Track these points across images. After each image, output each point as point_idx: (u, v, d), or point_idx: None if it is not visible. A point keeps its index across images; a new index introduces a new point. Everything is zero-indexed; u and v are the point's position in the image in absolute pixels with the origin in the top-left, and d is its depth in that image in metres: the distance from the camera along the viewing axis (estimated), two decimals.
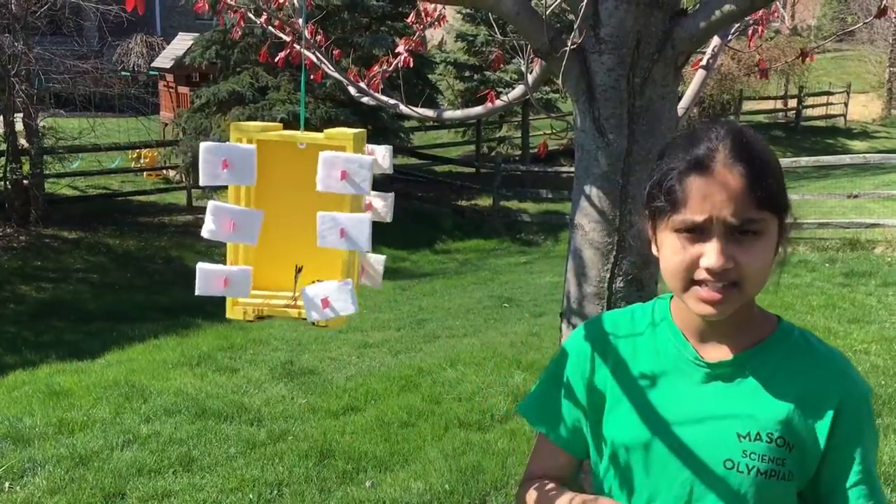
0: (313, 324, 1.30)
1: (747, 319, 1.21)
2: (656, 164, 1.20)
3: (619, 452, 1.25)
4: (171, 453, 4.36)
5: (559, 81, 1.80)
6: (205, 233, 1.25)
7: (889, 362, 5.47)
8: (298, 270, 1.38)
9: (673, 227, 1.14)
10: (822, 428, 1.16)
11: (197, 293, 1.28)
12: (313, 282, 1.31)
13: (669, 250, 1.15)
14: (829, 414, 1.16)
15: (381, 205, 1.46)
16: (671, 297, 1.27)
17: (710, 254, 1.10)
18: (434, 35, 25.99)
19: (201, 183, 1.24)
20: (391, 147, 1.41)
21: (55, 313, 9.55)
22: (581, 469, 1.44)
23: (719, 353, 1.21)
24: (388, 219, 1.46)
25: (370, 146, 1.42)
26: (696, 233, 1.12)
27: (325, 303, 1.25)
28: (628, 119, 1.82)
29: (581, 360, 1.32)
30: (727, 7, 1.70)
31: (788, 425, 1.16)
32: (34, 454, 4.38)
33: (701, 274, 1.12)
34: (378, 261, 1.46)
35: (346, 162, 1.21)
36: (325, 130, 1.33)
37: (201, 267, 1.27)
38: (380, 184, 1.45)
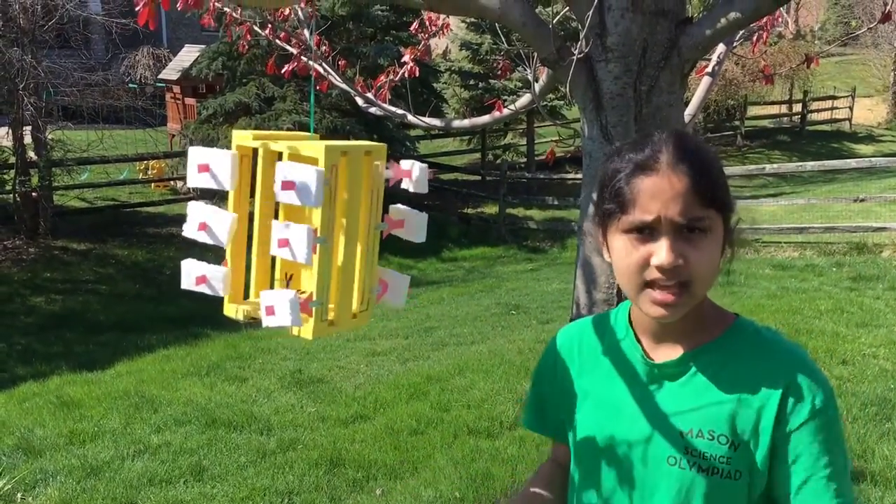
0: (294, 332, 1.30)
1: (699, 319, 1.22)
2: (603, 170, 1.23)
3: (581, 451, 1.31)
4: (181, 463, 4.38)
5: (566, 90, 1.82)
6: (184, 231, 1.31)
7: None
8: (289, 279, 1.40)
9: (622, 229, 1.16)
10: (767, 424, 1.15)
11: (182, 286, 1.35)
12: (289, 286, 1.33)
13: (620, 253, 1.17)
14: (773, 409, 1.15)
15: (410, 224, 1.43)
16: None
17: (660, 252, 1.12)
18: (438, 44, 26.06)
19: (188, 184, 1.30)
20: (426, 166, 1.38)
21: (65, 324, 9.59)
22: None
23: (671, 353, 1.23)
24: (417, 238, 1.42)
25: (406, 163, 1.38)
26: (646, 233, 1.14)
27: (270, 310, 1.24)
28: (635, 126, 1.84)
29: (553, 365, 1.39)
30: (732, 14, 1.71)
31: (732, 423, 1.16)
32: (45, 465, 4.40)
33: (652, 273, 1.13)
34: (402, 278, 1.45)
35: (293, 172, 1.20)
36: (302, 143, 1.31)
37: (185, 263, 1.33)
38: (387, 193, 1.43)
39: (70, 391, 5.91)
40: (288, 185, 1.19)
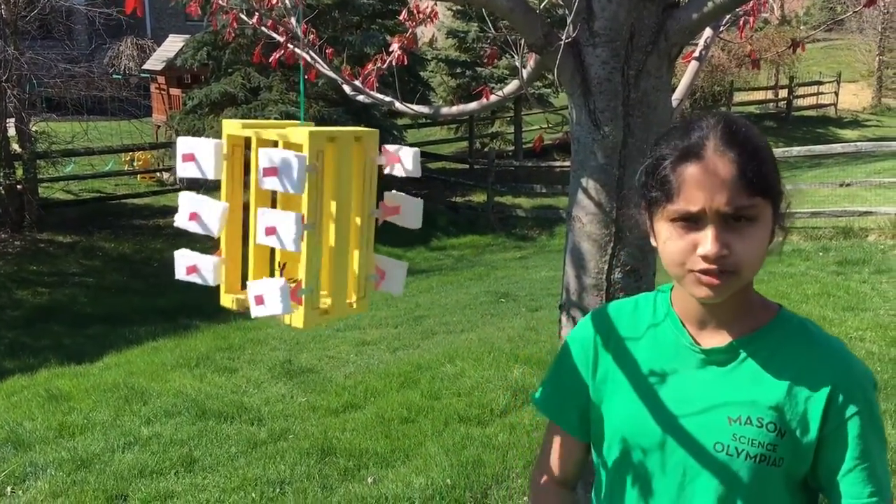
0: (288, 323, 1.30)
1: (745, 306, 1.22)
2: (650, 152, 1.21)
3: (618, 437, 1.28)
4: (172, 454, 4.37)
5: (554, 76, 1.82)
6: (176, 221, 1.31)
7: (884, 349, 5.51)
8: (282, 267, 1.39)
9: (668, 217, 1.15)
10: (815, 415, 1.16)
11: (176, 277, 1.35)
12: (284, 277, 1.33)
13: (667, 240, 1.17)
14: (822, 401, 1.16)
15: (406, 210, 1.43)
16: (672, 287, 1.30)
17: (705, 241, 1.12)
18: (425, 32, 25.99)
19: (177, 174, 1.29)
20: (418, 150, 1.38)
21: (52, 317, 9.54)
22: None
23: (717, 339, 1.23)
24: (413, 224, 1.42)
25: (393, 147, 1.38)
26: (692, 222, 1.13)
27: (259, 299, 1.23)
28: (623, 111, 1.84)
29: (585, 348, 1.36)
30: None
31: (780, 411, 1.17)
32: (35, 458, 4.38)
33: (697, 262, 1.13)
34: (399, 266, 1.44)
35: (275, 158, 1.18)
36: (289, 128, 1.30)
37: (177, 253, 1.34)
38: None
39: (59, 384, 5.89)
40: (270, 172, 1.18)
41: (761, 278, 8.10)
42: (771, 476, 1.17)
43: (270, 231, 1.21)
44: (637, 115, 1.86)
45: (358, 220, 1.36)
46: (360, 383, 5.48)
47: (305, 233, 1.23)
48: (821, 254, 9.35)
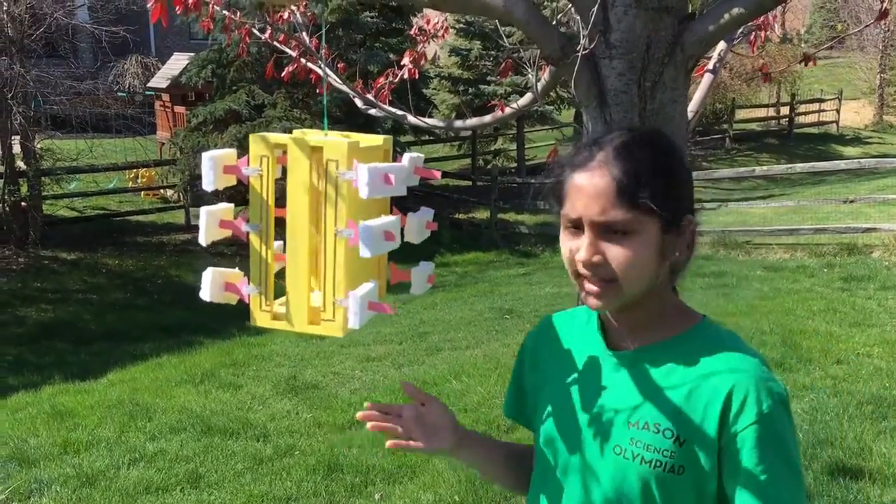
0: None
1: (658, 314, 1.24)
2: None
3: (540, 438, 1.33)
4: (178, 470, 4.35)
5: (571, 87, 1.82)
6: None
7: (892, 365, 5.48)
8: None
9: (563, 223, 1.21)
10: (711, 425, 1.15)
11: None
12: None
13: (562, 244, 1.23)
14: (716, 412, 1.15)
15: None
16: None
17: (581, 248, 1.17)
18: (427, 50, 26.11)
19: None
20: (370, 169, 1.21)
21: (56, 334, 9.52)
22: None
23: (629, 344, 1.26)
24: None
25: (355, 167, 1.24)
26: (577, 228, 1.18)
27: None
28: (640, 123, 1.84)
29: (528, 356, 1.43)
30: (735, 10, 1.72)
31: (678, 419, 1.17)
32: (40, 474, 4.36)
33: (579, 266, 1.18)
34: (363, 300, 1.30)
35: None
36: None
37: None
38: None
39: (63, 401, 5.87)
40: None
41: (767, 294, 8.09)
42: (672, 484, 1.17)
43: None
44: (653, 126, 1.86)
45: (315, 236, 1.27)
46: (366, 399, 5.45)
47: (250, 234, 1.24)
48: (825, 270, 9.33)
